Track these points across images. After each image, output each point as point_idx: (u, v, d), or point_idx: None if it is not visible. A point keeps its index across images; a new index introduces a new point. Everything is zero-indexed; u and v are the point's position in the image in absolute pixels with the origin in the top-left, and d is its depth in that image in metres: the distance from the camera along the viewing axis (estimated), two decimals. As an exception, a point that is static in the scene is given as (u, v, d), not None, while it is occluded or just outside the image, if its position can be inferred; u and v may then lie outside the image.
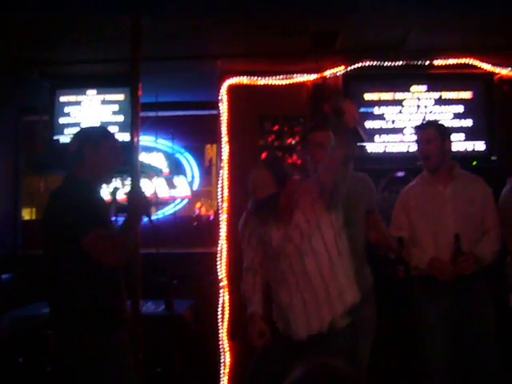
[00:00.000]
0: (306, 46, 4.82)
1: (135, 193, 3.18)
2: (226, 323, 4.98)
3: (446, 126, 4.02)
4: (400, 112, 5.13)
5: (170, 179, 6.52)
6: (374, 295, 3.73)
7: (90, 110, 5.53)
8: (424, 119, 5.02)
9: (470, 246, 3.58)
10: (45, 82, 5.41)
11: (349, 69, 5.16)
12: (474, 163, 5.00)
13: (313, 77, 5.23)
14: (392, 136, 5.10)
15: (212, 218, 6.35)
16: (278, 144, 5.29)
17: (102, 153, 3.07)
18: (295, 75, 5.24)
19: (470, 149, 5.07)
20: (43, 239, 2.99)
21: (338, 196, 3.08)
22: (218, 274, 5.03)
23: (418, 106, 5.14)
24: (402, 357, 4.57)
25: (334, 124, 2.80)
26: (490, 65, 5.12)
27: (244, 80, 5.23)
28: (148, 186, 6.27)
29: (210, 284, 5.13)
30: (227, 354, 4.97)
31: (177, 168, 6.59)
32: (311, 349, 3.00)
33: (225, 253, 5.05)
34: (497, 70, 5.15)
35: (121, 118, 5.48)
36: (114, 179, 3.94)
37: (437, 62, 5.13)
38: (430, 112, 5.12)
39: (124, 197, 5.64)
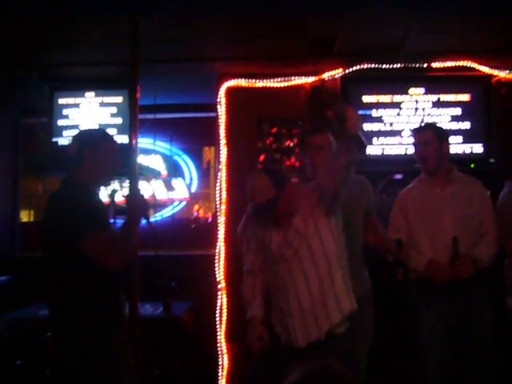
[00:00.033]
0: (304, 49, 4.83)
1: (134, 195, 3.18)
2: (224, 325, 4.98)
3: (443, 128, 4.02)
4: (398, 114, 5.14)
5: (169, 181, 6.52)
6: (372, 298, 3.73)
7: (88, 112, 5.54)
8: (422, 122, 5.03)
9: (467, 248, 3.57)
10: (44, 84, 5.42)
11: (347, 71, 5.17)
12: (472, 166, 5.00)
13: (311, 79, 5.24)
14: (390, 138, 5.11)
15: (210, 220, 6.36)
16: (276, 146, 5.29)
17: (101, 155, 3.08)
18: (293, 78, 5.25)
19: (467, 151, 5.07)
20: (42, 241, 2.99)
21: (338, 201, 3.09)
22: (216, 276, 5.03)
23: (416, 109, 5.15)
24: (400, 359, 4.57)
25: (336, 130, 2.80)
26: (488, 67, 5.13)
27: (242, 82, 5.24)
28: (146, 189, 6.27)
29: (208, 286, 5.13)
30: (225, 356, 4.97)
31: (175, 170, 6.60)
32: (309, 353, 3.01)
33: (223, 255, 5.05)
34: (495, 72, 5.16)
35: (119, 121, 5.48)
36: (112, 181, 3.94)
37: (435, 65, 5.14)
38: (428, 114, 5.13)
39: (122, 199, 5.69)
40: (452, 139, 4.49)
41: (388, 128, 5.13)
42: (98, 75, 5.39)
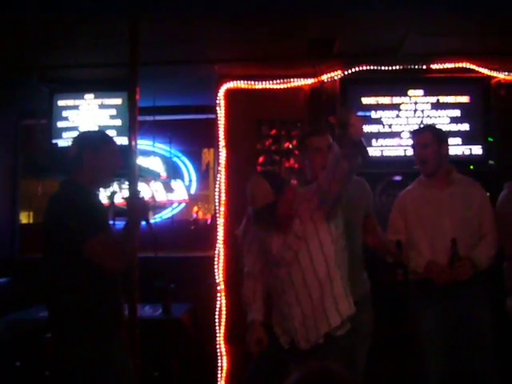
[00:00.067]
0: (303, 51, 4.83)
1: (134, 197, 3.18)
2: (223, 327, 4.98)
3: (442, 130, 4.02)
4: (397, 116, 5.14)
5: (168, 183, 6.53)
6: (371, 300, 3.73)
7: (88, 113, 5.54)
8: (421, 123, 5.03)
9: (466, 250, 3.58)
10: (43, 86, 5.41)
11: (346, 73, 5.17)
12: (471, 167, 5.00)
13: (310, 81, 5.24)
14: (389, 140, 5.11)
15: (209, 221, 6.37)
16: (275, 148, 5.30)
17: (101, 157, 3.08)
18: (292, 79, 5.26)
19: (467, 153, 5.07)
20: (42, 243, 2.99)
21: (339, 205, 3.10)
22: (216, 277, 5.03)
23: (416, 110, 5.15)
24: (399, 360, 4.57)
25: (339, 136, 2.80)
26: (487, 69, 5.13)
27: (241, 84, 5.25)
28: (145, 190, 6.28)
29: (208, 288, 5.13)
30: (224, 358, 4.97)
31: (174, 172, 6.61)
32: (309, 355, 3.02)
33: (222, 257, 5.06)
34: (494, 74, 5.16)
35: (118, 122, 5.48)
36: (112, 183, 3.94)
37: (434, 66, 5.14)
38: (427, 116, 5.13)
39: (121, 200, 5.69)
40: (451, 141, 4.49)
41: (387, 129, 5.13)
42: (98, 77, 5.39)
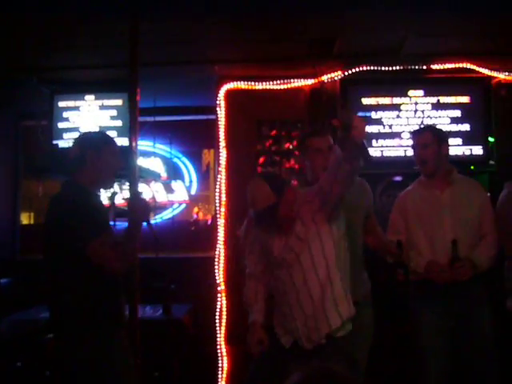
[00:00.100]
0: (303, 51, 4.83)
1: (135, 198, 3.18)
2: (223, 327, 4.98)
3: (442, 130, 4.02)
4: (397, 116, 5.14)
5: (168, 184, 6.52)
6: (371, 300, 3.74)
7: (88, 114, 5.54)
8: (421, 124, 5.03)
9: (466, 250, 3.57)
10: (43, 87, 5.42)
11: (346, 73, 5.17)
12: (472, 168, 5.01)
13: (310, 82, 5.24)
14: (389, 140, 5.11)
15: (210, 222, 6.36)
16: (275, 149, 5.30)
17: (103, 158, 3.08)
18: (293, 80, 5.26)
19: (467, 153, 5.07)
20: (44, 243, 2.99)
21: (341, 207, 3.10)
22: (216, 278, 5.03)
23: (416, 111, 5.15)
24: (399, 361, 4.57)
25: (341, 138, 2.80)
26: (487, 69, 5.13)
27: (241, 85, 5.25)
28: (146, 191, 6.28)
29: (208, 288, 5.13)
30: (225, 359, 4.97)
31: (175, 173, 6.60)
32: (310, 356, 3.03)
33: (222, 257, 5.06)
34: (494, 74, 5.16)
35: (119, 123, 5.49)
36: (113, 184, 3.94)
37: (434, 67, 5.14)
38: (428, 116, 5.13)
39: (122, 201, 5.69)
40: (452, 141, 4.49)
41: (387, 130, 5.13)
42: (98, 78, 5.40)
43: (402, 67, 5.13)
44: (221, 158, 5.19)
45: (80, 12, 3.95)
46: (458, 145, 5.05)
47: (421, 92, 5.16)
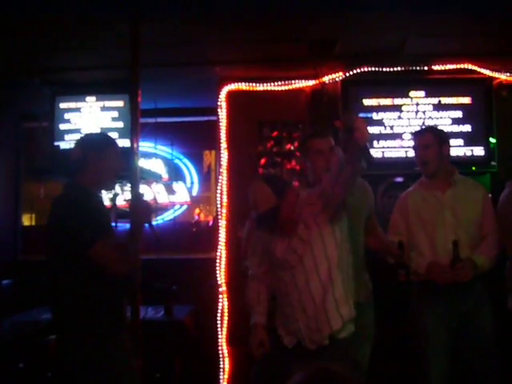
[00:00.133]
0: (304, 52, 4.83)
1: (137, 200, 3.17)
2: (225, 329, 4.98)
3: (444, 131, 4.01)
4: (399, 117, 5.14)
5: (170, 185, 6.53)
6: (372, 301, 3.73)
7: (89, 116, 5.55)
8: (423, 124, 5.03)
9: (468, 251, 3.57)
10: (45, 88, 5.43)
11: (347, 74, 5.17)
12: (473, 168, 5.01)
13: (311, 83, 5.25)
14: (391, 141, 5.11)
15: (211, 223, 6.37)
16: (276, 150, 5.30)
17: (105, 159, 3.07)
18: (294, 81, 5.26)
19: (468, 154, 5.07)
20: (47, 245, 2.98)
21: (343, 209, 3.10)
22: (218, 279, 5.03)
23: (417, 112, 5.15)
24: (400, 361, 4.56)
25: (344, 140, 2.80)
26: (488, 70, 5.13)
27: (243, 86, 5.25)
28: (147, 192, 6.29)
29: (210, 289, 5.13)
30: (226, 360, 4.97)
31: (176, 174, 6.61)
32: (311, 357, 3.03)
33: (224, 258, 5.06)
34: (496, 74, 5.16)
35: (120, 125, 5.49)
36: (114, 185, 3.94)
37: (435, 68, 5.14)
38: (429, 117, 5.13)
39: (123, 203, 5.69)
40: (453, 142, 4.50)
41: (389, 131, 5.13)
42: (99, 79, 5.40)
43: (403, 68, 5.13)
44: (222, 159, 5.20)
45: (81, 13, 3.95)
46: (460, 145, 5.05)
47: (422, 93, 5.16)
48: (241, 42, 4.61)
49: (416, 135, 3.93)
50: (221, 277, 5.04)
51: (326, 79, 5.20)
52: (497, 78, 5.17)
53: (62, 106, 5.57)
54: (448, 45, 4.75)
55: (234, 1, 3.87)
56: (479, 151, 5.08)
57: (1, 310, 5.10)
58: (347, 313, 3.07)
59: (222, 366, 4.97)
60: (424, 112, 5.14)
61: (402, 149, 5.08)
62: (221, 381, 4.95)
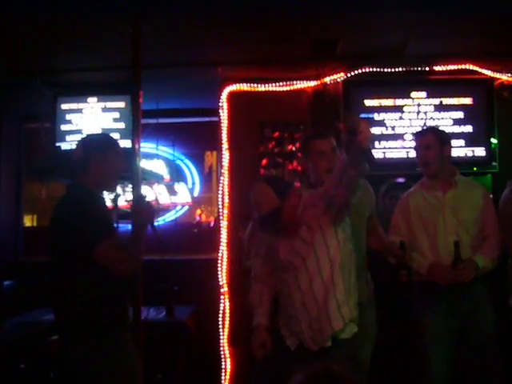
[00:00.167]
0: (306, 53, 4.84)
1: (140, 200, 3.16)
2: (226, 329, 4.98)
3: (445, 131, 4.01)
4: (400, 118, 5.14)
5: (171, 186, 6.54)
6: (374, 301, 3.74)
7: (91, 117, 5.56)
8: (424, 125, 5.03)
9: (469, 252, 3.58)
10: (46, 89, 5.44)
11: (349, 75, 5.17)
12: (475, 169, 5.01)
13: (313, 83, 5.25)
14: (392, 142, 5.11)
15: (212, 224, 6.37)
16: (278, 150, 5.30)
17: (108, 160, 3.06)
18: (295, 82, 5.26)
19: (470, 154, 5.07)
20: (50, 246, 2.98)
21: (346, 210, 3.10)
22: (219, 280, 5.03)
23: (418, 112, 5.15)
24: (402, 361, 4.56)
25: (347, 143, 2.79)
26: (490, 70, 5.13)
27: (244, 87, 5.25)
28: (149, 193, 6.29)
29: (211, 290, 5.13)
30: (228, 361, 4.97)
31: (177, 175, 6.61)
32: (313, 357, 3.03)
33: (225, 259, 5.06)
34: (497, 75, 5.16)
35: (122, 125, 5.50)
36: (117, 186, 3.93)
37: (437, 68, 5.14)
38: (430, 118, 5.13)
39: (125, 203, 5.70)
40: (454, 142, 4.50)
41: (390, 132, 5.13)
42: (101, 80, 5.41)
43: (404, 69, 5.14)
44: (223, 159, 5.20)
45: (82, 14, 3.95)
46: (461, 146, 5.06)
47: (423, 93, 5.16)
48: (242, 43, 4.62)
49: (417, 136, 3.93)
50: (222, 277, 5.04)
51: (327, 80, 5.20)
52: (498, 79, 5.17)
53: (64, 106, 5.57)
54: (449, 45, 4.75)
55: (235, 1, 3.88)
56: (480, 152, 5.08)
57: (2, 310, 5.11)
58: (348, 313, 3.07)
59: (223, 366, 4.97)
60: (425, 113, 5.15)
61: (404, 149, 5.09)
62: (222, 381, 4.95)
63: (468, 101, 5.13)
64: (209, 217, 6.66)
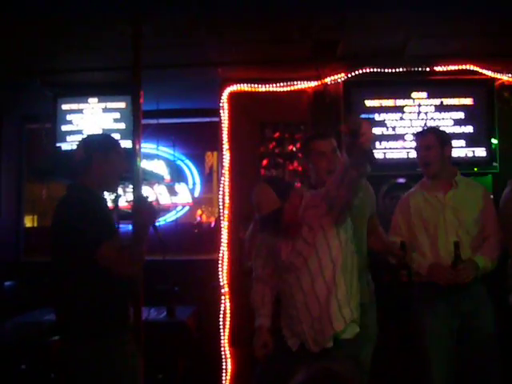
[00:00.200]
0: (306, 53, 4.83)
1: (141, 202, 3.16)
2: (227, 330, 4.99)
3: (445, 132, 4.02)
4: (401, 118, 5.14)
5: (172, 186, 6.54)
6: (375, 301, 3.74)
7: (91, 117, 5.56)
8: (425, 125, 5.03)
9: (469, 252, 3.58)
10: (47, 90, 5.44)
11: (349, 75, 5.17)
12: (475, 169, 5.01)
13: (313, 84, 5.25)
14: (393, 142, 5.11)
15: (213, 224, 6.37)
16: (278, 151, 5.31)
17: (110, 160, 3.05)
18: (296, 82, 5.26)
19: (470, 155, 5.07)
20: (51, 246, 2.97)
21: (349, 212, 3.10)
22: (220, 280, 5.04)
23: (419, 113, 5.15)
24: (403, 361, 4.56)
25: (349, 144, 2.79)
26: (490, 71, 5.13)
27: (245, 87, 5.26)
28: (150, 193, 6.29)
29: (212, 291, 5.13)
30: (229, 361, 4.97)
31: (178, 175, 6.61)
32: (315, 358, 3.04)
33: (226, 259, 5.06)
34: (498, 75, 5.15)
35: (122, 126, 5.50)
36: (118, 187, 3.93)
37: (437, 69, 5.14)
38: (431, 118, 5.13)
39: (125, 204, 5.69)
40: (455, 143, 4.50)
41: (391, 132, 5.13)
42: (101, 81, 5.41)
43: (405, 69, 5.13)
44: (224, 160, 5.20)
45: (83, 15, 3.96)
46: (462, 146, 5.05)
47: (424, 94, 5.16)
48: (243, 43, 4.62)
49: (418, 136, 3.93)
50: (223, 278, 5.04)
51: (328, 80, 5.20)
52: (498, 79, 5.17)
53: (64, 107, 5.58)
54: (449, 46, 4.75)
55: (235, 1, 3.88)
56: (481, 152, 5.08)
57: (3, 311, 5.11)
58: (349, 314, 3.07)
59: (224, 366, 4.97)
60: (426, 113, 5.14)
61: (404, 150, 5.08)
62: (223, 382, 4.95)
63: (468, 101, 5.13)
64: (209, 217, 6.66)
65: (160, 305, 5.09)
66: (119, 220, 5.06)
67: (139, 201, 3.14)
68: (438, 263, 3.61)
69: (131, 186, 3.79)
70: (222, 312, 5.00)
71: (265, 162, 5.27)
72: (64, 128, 5.56)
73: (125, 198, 6.08)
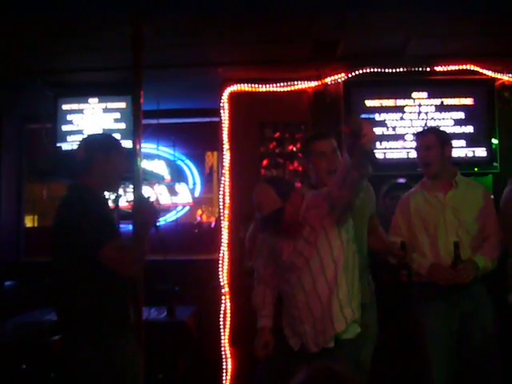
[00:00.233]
0: (306, 53, 4.83)
1: (142, 202, 3.15)
2: (227, 330, 4.99)
3: (446, 132, 4.02)
4: (401, 118, 5.14)
5: (172, 186, 6.54)
6: (375, 301, 3.74)
7: (92, 117, 5.56)
8: (425, 125, 5.03)
9: (469, 252, 3.58)
10: (47, 90, 5.44)
11: (350, 75, 5.17)
12: (476, 169, 5.01)
13: (314, 84, 5.25)
14: (393, 142, 5.11)
15: (213, 224, 6.37)
16: (279, 151, 5.31)
17: (111, 160, 3.05)
18: (296, 82, 5.26)
19: (470, 155, 5.07)
20: (52, 246, 2.97)
21: (350, 212, 3.10)
22: (220, 280, 5.04)
23: (419, 113, 5.15)
24: (403, 361, 4.56)
25: (350, 145, 2.79)
26: (491, 71, 5.13)
27: (245, 87, 5.26)
28: (150, 193, 6.29)
29: (212, 290, 5.14)
30: (229, 361, 4.97)
31: (178, 175, 6.62)
32: (315, 358, 3.03)
33: (226, 259, 5.06)
34: (498, 75, 5.15)
35: (122, 126, 5.50)
36: (119, 187, 3.93)
37: (438, 69, 5.14)
38: (431, 118, 5.13)
39: (126, 204, 5.70)
40: (455, 143, 4.50)
41: (391, 132, 5.13)
42: (102, 81, 5.41)
43: (405, 69, 5.13)
44: (224, 160, 5.20)
45: (83, 15, 3.96)
46: (462, 146, 5.06)
47: (424, 94, 5.16)
48: (243, 43, 4.62)
49: (418, 136, 3.93)
50: (223, 278, 5.04)
51: (328, 80, 5.20)
52: (499, 79, 5.17)
53: (65, 107, 5.58)
54: (449, 45, 4.75)
55: (236, 1, 3.88)
56: (481, 152, 5.08)
57: (3, 311, 5.11)
58: (351, 314, 3.06)
59: (224, 366, 4.97)
60: (426, 113, 5.14)
61: (404, 150, 5.08)
62: (223, 382, 4.95)
63: (469, 101, 5.13)
64: (210, 217, 6.65)
65: (160, 305, 5.10)
66: (120, 220, 5.07)
67: (140, 201, 3.14)
68: (438, 263, 3.61)
69: (132, 186, 3.79)
70: (222, 312, 5.00)
71: (265, 162, 5.28)
72: (64, 128, 5.56)
73: (125, 197, 6.08)
